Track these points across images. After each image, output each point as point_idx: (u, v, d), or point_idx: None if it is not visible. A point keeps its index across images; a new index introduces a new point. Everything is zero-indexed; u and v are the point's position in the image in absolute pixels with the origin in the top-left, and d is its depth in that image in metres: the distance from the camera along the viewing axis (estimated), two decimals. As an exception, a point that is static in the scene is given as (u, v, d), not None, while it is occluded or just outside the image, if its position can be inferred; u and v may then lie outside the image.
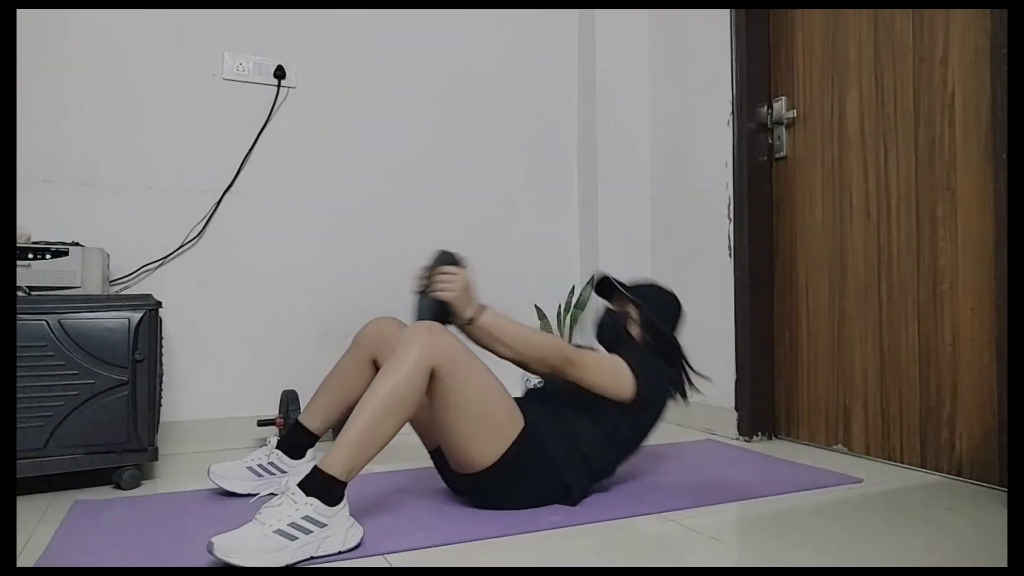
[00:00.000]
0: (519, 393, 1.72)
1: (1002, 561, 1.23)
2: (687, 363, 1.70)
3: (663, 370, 1.65)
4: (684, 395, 1.70)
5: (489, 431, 1.44)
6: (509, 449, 1.46)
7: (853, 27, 2.09)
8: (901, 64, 1.95)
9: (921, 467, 1.88)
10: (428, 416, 1.49)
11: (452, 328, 1.50)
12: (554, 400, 1.61)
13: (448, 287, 1.47)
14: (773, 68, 2.38)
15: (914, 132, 1.91)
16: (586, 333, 2.69)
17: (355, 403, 1.64)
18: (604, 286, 1.78)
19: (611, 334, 1.73)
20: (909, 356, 1.92)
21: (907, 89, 1.93)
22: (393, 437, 1.34)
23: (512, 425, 1.47)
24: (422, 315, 1.50)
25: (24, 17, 2.07)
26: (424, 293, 1.51)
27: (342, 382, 1.67)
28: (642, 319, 1.70)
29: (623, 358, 1.58)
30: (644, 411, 1.60)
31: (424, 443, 1.64)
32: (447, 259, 1.52)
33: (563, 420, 1.56)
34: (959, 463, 1.79)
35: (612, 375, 1.54)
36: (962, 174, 1.79)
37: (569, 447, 1.54)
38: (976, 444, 1.75)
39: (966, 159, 1.78)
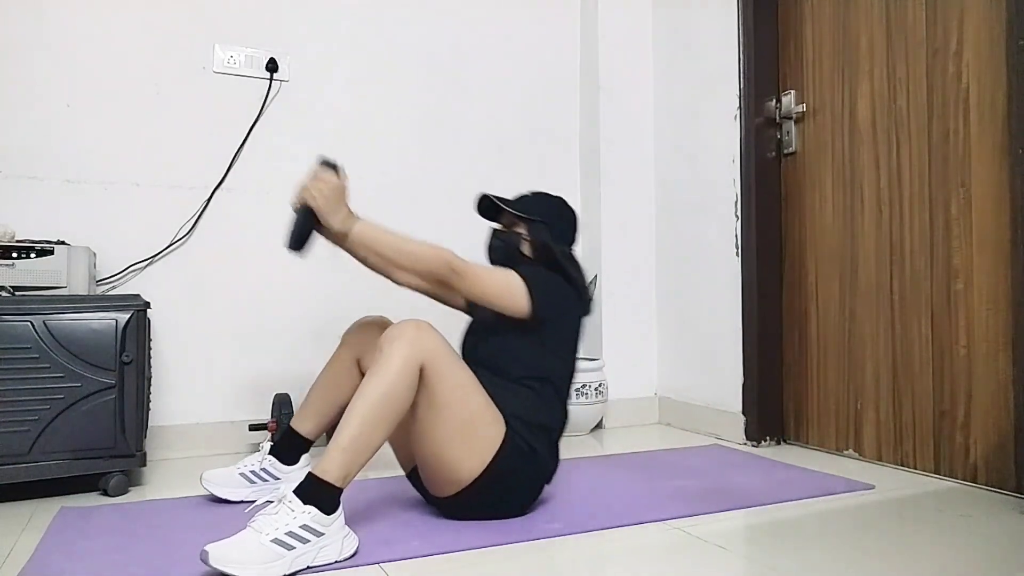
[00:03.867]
0: None
1: (1022, 571, 1.21)
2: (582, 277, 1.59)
3: (561, 286, 1.53)
4: (588, 311, 1.59)
5: (475, 438, 1.38)
6: (496, 456, 1.39)
7: (864, 18, 2.06)
8: (914, 56, 1.91)
9: (935, 473, 1.85)
10: (407, 424, 1.40)
11: (325, 240, 1.43)
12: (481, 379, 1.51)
13: (316, 193, 1.38)
14: (782, 61, 2.34)
15: (927, 126, 1.88)
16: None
17: (346, 405, 1.60)
18: (486, 206, 1.68)
19: (503, 255, 1.63)
20: (922, 358, 1.88)
21: (920, 82, 1.90)
22: (387, 439, 1.32)
23: (497, 430, 1.40)
24: (291, 228, 1.41)
25: (7, 7, 2.02)
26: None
27: (331, 384, 1.63)
28: (532, 235, 1.60)
29: (516, 272, 1.49)
30: (553, 340, 1.50)
31: (399, 459, 1.58)
32: (325, 167, 1.42)
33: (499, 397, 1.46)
34: (974, 469, 1.76)
35: (503, 286, 1.45)
36: (977, 170, 1.76)
37: (526, 425, 1.45)
38: (991, 449, 1.72)
39: (981, 154, 1.75)
